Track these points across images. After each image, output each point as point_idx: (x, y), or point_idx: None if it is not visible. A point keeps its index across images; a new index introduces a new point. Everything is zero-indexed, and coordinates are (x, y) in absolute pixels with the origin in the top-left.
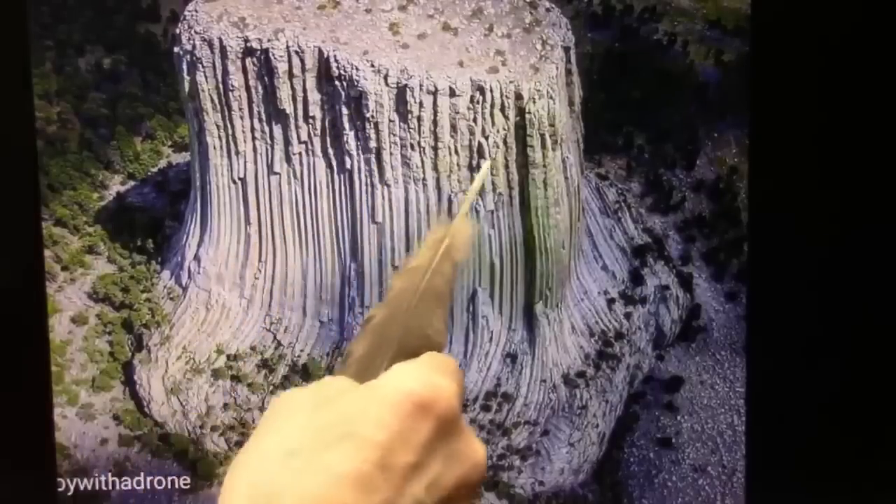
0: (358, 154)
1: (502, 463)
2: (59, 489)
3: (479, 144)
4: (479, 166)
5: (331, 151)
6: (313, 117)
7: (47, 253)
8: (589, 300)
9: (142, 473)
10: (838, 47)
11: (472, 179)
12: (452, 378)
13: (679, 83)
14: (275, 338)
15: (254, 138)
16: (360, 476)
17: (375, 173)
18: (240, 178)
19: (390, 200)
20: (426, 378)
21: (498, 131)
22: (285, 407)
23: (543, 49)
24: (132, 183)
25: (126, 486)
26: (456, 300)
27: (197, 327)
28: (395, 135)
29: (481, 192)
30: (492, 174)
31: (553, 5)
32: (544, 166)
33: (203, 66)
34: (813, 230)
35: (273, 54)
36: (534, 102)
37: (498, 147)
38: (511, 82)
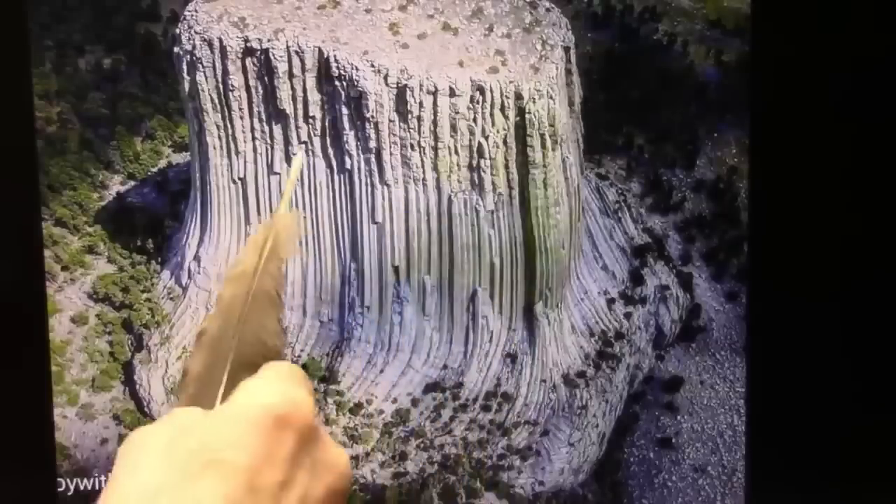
0: (358, 154)
1: (502, 463)
2: (59, 489)
3: (479, 144)
4: (479, 166)
5: (331, 151)
6: (313, 117)
7: (47, 253)
8: (589, 300)
9: None
10: (838, 47)
11: (471, 180)
12: (303, 386)
13: (679, 83)
14: None
15: (254, 138)
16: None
17: (375, 173)
18: (240, 178)
19: (390, 200)
20: (280, 391)
21: (498, 131)
22: (139, 445)
23: (543, 49)
24: (132, 183)
25: None
26: (456, 300)
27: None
28: (395, 135)
29: (482, 193)
30: (492, 174)
31: (553, 5)
32: (544, 166)
33: (203, 66)
34: (813, 230)
35: (273, 54)
36: (534, 102)
37: (498, 147)
38: (511, 82)
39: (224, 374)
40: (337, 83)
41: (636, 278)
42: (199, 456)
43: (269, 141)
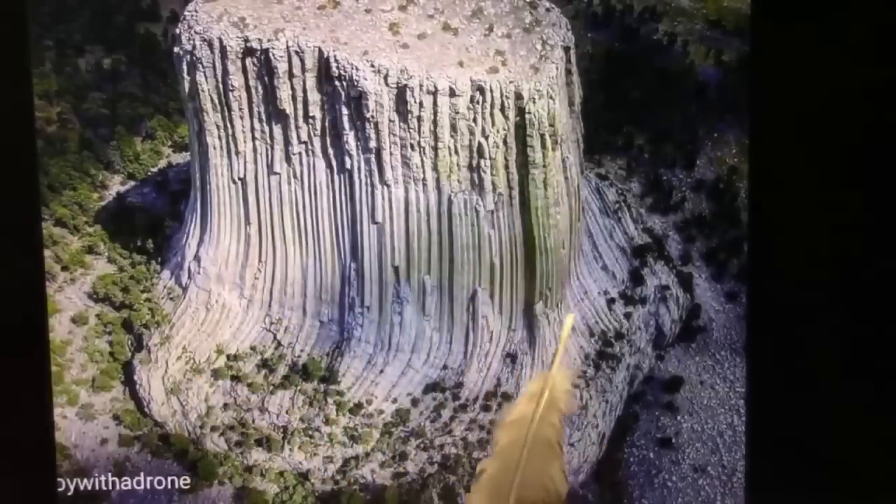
0: (358, 154)
1: None
2: (59, 489)
3: (479, 144)
4: (477, 166)
5: (331, 151)
6: (313, 117)
7: (47, 253)
8: (589, 300)
9: (142, 473)
10: (838, 47)
11: (471, 180)
12: None
13: (679, 83)
14: (275, 338)
15: (254, 138)
16: None
17: (375, 173)
18: (240, 178)
19: (390, 200)
20: None
21: (498, 131)
22: None
23: (543, 49)
24: (132, 183)
25: (126, 486)
26: (456, 300)
27: (197, 327)
28: (395, 135)
29: (482, 193)
30: (492, 174)
31: (553, 5)
32: (544, 166)
33: (203, 66)
34: (813, 230)
35: (273, 54)
36: (534, 102)
37: (498, 147)
38: (511, 82)
39: None
40: (337, 83)
41: (636, 278)
42: None
43: (269, 141)
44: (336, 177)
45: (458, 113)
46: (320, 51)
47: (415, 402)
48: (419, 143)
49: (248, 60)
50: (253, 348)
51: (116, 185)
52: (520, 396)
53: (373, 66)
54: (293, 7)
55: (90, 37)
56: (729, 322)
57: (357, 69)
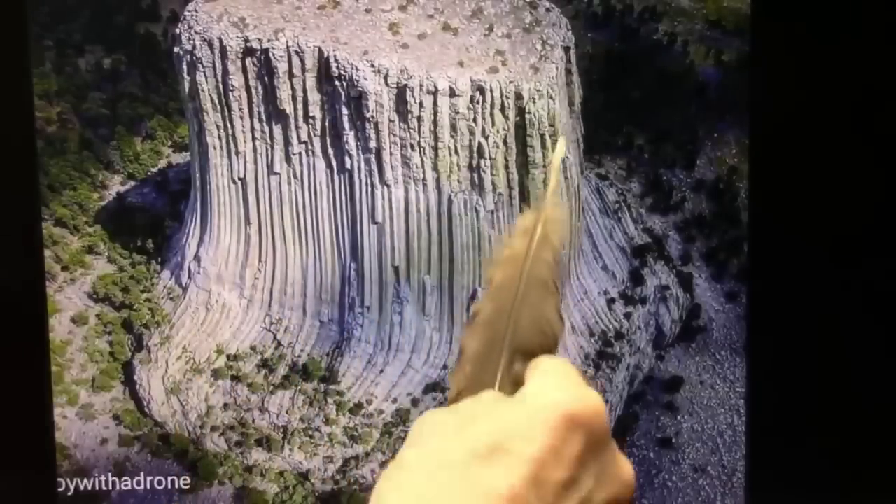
0: (358, 154)
1: None
2: (59, 489)
3: (479, 144)
4: (477, 166)
5: (331, 151)
6: (313, 117)
7: (47, 253)
8: (589, 300)
9: (142, 473)
10: (838, 47)
11: (471, 180)
12: (594, 389)
13: (679, 83)
14: (275, 338)
15: (254, 138)
16: (512, 493)
17: (375, 173)
18: (240, 178)
19: (390, 200)
20: (575, 391)
21: (498, 131)
22: (430, 423)
23: (543, 49)
24: (132, 183)
25: (126, 486)
26: (456, 300)
27: (197, 327)
28: (395, 135)
29: (482, 193)
30: (492, 174)
31: (553, 5)
32: (544, 166)
33: (203, 66)
34: (813, 230)
35: (273, 54)
36: (534, 102)
37: (498, 147)
38: (511, 82)
39: (501, 358)
40: (337, 83)
41: (636, 278)
42: (487, 441)
43: (269, 141)
44: (336, 177)
45: (458, 113)
46: (320, 51)
47: (415, 402)
48: (419, 143)
49: (248, 60)
50: (253, 348)
51: (116, 185)
52: (513, 231)
53: (373, 66)
54: (293, 7)
55: (90, 37)
56: (729, 322)
57: (357, 69)
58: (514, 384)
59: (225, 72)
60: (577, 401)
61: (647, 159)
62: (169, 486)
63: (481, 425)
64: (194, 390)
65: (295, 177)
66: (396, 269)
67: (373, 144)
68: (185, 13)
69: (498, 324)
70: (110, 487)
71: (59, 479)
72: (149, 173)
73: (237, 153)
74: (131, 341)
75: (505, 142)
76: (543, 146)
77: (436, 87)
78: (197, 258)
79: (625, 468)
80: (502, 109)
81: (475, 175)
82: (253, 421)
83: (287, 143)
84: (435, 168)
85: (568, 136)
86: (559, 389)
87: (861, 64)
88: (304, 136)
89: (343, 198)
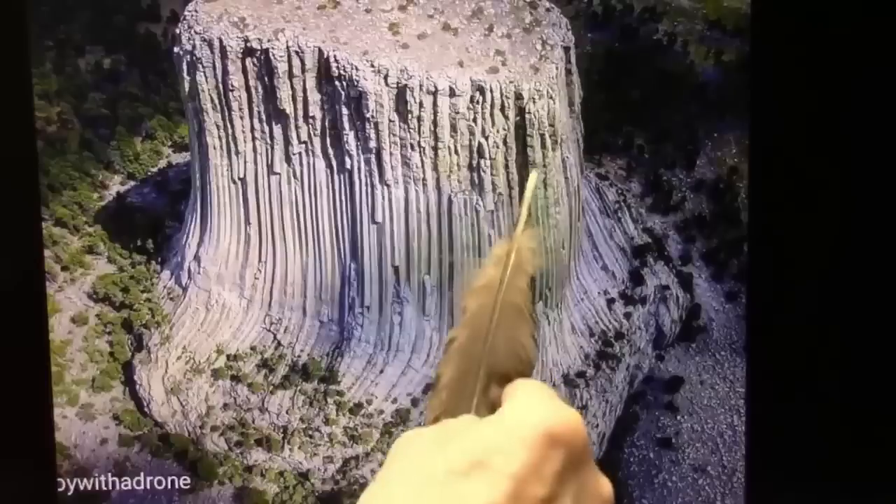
0: (358, 154)
1: None
2: (59, 489)
3: (479, 144)
4: (479, 166)
5: (331, 151)
6: (313, 117)
7: (47, 253)
8: (589, 300)
9: (142, 473)
10: (838, 47)
11: (471, 180)
12: (572, 408)
13: (679, 83)
14: (275, 338)
15: (254, 138)
16: None
17: (375, 173)
18: (240, 178)
19: (390, 200)
20: (555, 408)
21: (498, 131)
22: (410, 445)
23: (543, 49)
24: (132, 183)
25: (126, 486)
26: (456, 300)
27: (197, 327)
28: (395, 135)
29: (482, 193)
30: (492, 174)
31: (553, 5)
32: (544, 166)
33: (203, 66)
34: (813, 230)
35: (273, 54)
36: (534, 102)
37: (498, 147)
38: (511, 82)
39: (477, 383)
40: (337, 83)
41: (636, 278)
42: (468, 459)
43: (269, 141)
44: (336, 177)
45: (458, 113)
46: (320, 51)
47: (415, 402)
48: (419, 143)
49: (248, 60)
50: (253, 348)
51: (116, 185)
52: (487, 260)
53: (373, 66)
54: (293, 7)
55: (90, 37)
56: (729, 322)
57: (357, 69)
58: (490, 408)
59: (225, 72)
60: (557, 418)
61: (647, 159)
62: (169, 486)
63: (462, 442)
64: (194, 390)
65: (295, 177)
66: (396, 269)
67: (373, 144)
68: (185, 13)
69: (473, 350)
70: (110, 487)
71: (59, 479)
72: (149, 173)
73: (237, 153)
74: (131, 341)
75: (505, 142)
76: (543, 146)
77: (436, 87)
78: (197, 258)
79: (604, 486)
80: (502, 109)
81: (475, 175)
82: (253, 421)
83: (287, 143)
84: (435, 168)
85: (568, 136)
86: (539, 407)
87: (861, 64)
88: (304, 136)
89: (343, 198)
